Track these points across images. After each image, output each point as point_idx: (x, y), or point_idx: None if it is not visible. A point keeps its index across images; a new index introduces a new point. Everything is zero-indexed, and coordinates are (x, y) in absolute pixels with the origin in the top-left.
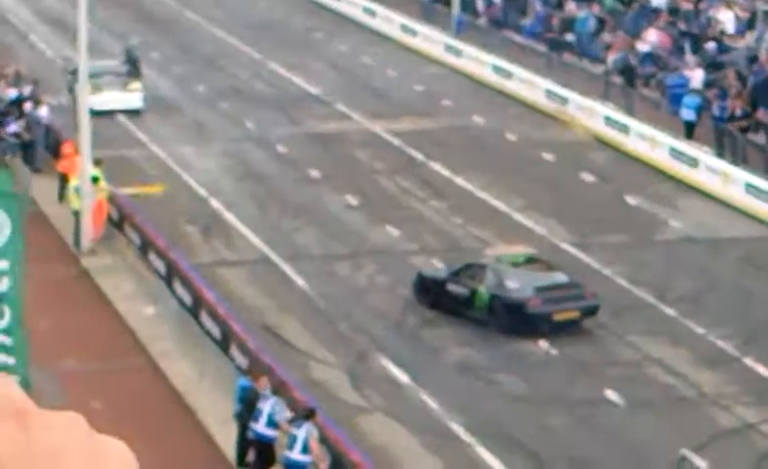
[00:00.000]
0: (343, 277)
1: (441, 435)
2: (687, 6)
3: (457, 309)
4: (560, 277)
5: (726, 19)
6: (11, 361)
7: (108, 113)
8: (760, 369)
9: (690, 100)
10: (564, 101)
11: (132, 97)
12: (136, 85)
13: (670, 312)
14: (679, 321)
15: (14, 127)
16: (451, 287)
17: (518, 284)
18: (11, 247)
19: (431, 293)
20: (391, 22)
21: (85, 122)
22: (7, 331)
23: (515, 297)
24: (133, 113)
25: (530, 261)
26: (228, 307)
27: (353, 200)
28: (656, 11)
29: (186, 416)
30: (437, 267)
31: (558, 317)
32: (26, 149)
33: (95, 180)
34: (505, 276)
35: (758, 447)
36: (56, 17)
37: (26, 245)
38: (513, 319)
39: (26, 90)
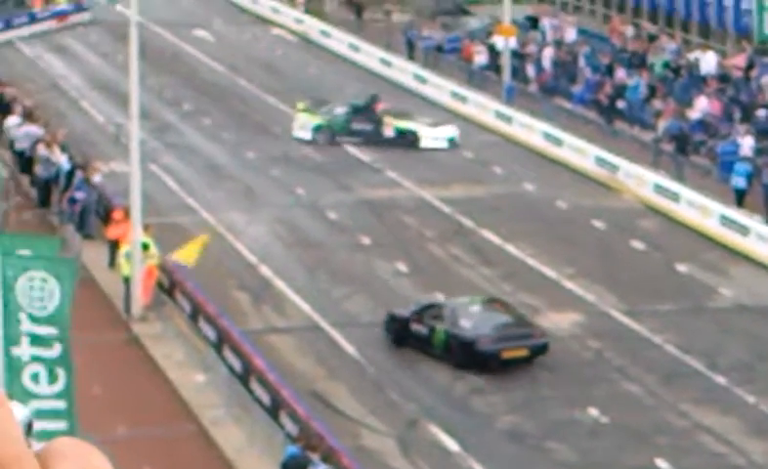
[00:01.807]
0: (392, 345)
1: None
2: (737, 73)
3: (419, 347)
4: (513, 318)
5: None
6: (62, 425)
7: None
8: None
9: (740, 167)
10: (614, 168)
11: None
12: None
13: (721, 380)
14: (730, 390)
15: (80, 194)
16: (414, 326)
17: (471, 323)
18: (61, 313)
19: (396, 331)
20: (441, 89)
21: (136, 189)
22: (60, 396)
23: (467, 335)
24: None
25: (488, 302)
26: (278, 374)
27: (403, 267)
28: (705, 78)
29: None
30: (407, 306)
31: (507, 354)
32: (80, 216)
33: (145, 246)
34: (460, 315)
35: None
36: (107, 83)
37: (77, 312)
38: (465, 357)
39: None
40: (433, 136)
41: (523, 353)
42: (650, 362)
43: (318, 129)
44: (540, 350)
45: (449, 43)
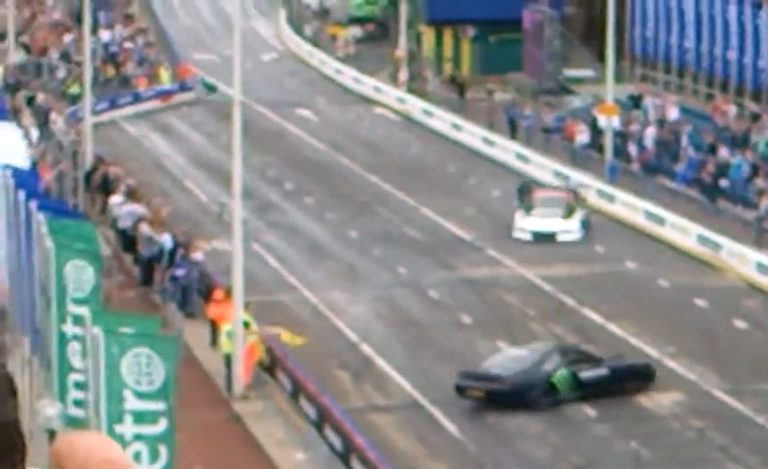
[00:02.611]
0: (493, 423)
1: None
2: None
3: None
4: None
5: None
6: None
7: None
8: None
9: None
10: (717, 247)
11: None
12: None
13: None
14: None
15: (180, 271)
16: None
17: (487, 363)
18: (166, 390)
19: None
20: (543, 168)
21: (239, 267)
22: None
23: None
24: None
25: (546, 348)
26: (378, 452)
27: (504, 346)
28: None
29: None
30: None
31: (470, 393)
32: (182, 294)
33: (245, 324)
34: (496, 354)
35: None
36: (210, 162)
37: (178, 390)
38: None
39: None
40: (518, 227)
41: (479, 394)
42: (753, 442)
43: None
44: (496, 396)
45: (554, 122)
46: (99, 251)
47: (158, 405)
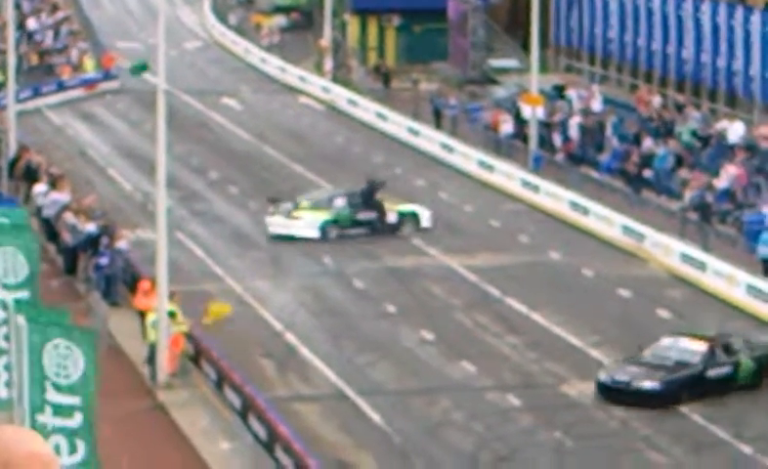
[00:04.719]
0: (419, 413)
1: None
2: (764, 143)
3: None
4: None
5: None
6: None
7: None
8: None
9: (767, 237)
10: (640, 237)
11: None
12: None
13: (747, 450)
14: (756, 460)
15: (103, 260)
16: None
17: None
18: (84, 383)
19: None
20: (468, 158)
21: (163, 256)
22: (81, 466)
23: None
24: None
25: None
26: (303, 442)
27: (428, 335)
28: (733, 148)
29: None
30: None
31: None
32: (106, 283)
33: (171, 315)
34: None
35: None
36: (134, 151)
37: (103, 380)
38: None
39: (105, 224)
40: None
41: None
42: (676, 431)
43: None
44: None
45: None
46: (31, 237)
47: (74, 400)
